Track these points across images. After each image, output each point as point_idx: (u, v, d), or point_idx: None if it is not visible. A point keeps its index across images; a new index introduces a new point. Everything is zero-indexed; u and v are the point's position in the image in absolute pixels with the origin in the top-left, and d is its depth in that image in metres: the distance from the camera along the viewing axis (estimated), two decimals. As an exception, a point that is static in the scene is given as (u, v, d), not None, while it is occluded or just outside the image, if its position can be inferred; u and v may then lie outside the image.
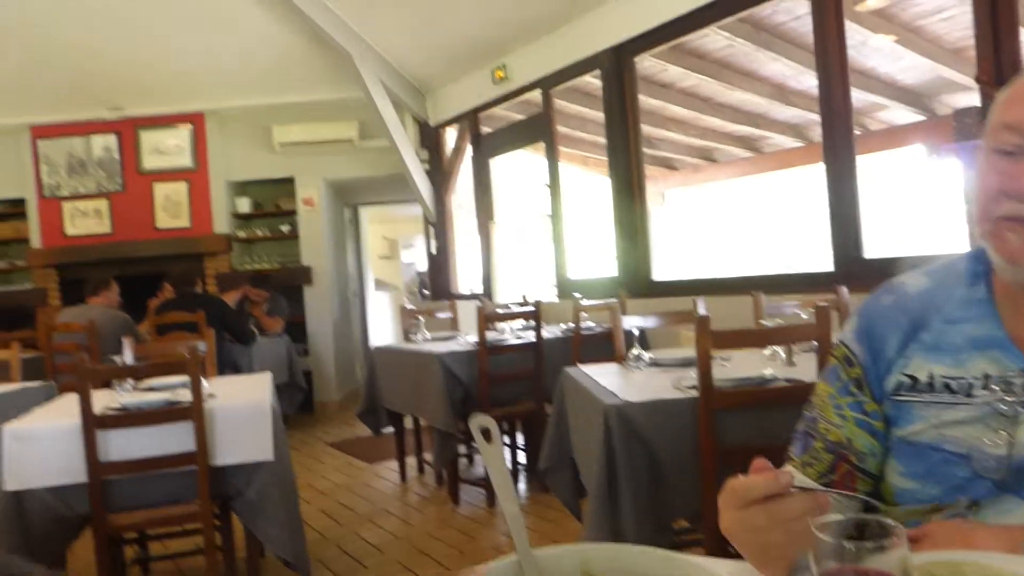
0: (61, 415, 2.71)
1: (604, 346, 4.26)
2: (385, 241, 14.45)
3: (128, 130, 7.55)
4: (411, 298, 14.41)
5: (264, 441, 2.68)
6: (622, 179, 5.23)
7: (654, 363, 2.83)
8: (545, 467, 2.87)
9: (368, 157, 7.68)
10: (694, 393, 2.21)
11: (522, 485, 4.44)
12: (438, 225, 7.59)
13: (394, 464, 4.77)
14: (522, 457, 4.66)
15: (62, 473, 2.57)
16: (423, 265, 15.58)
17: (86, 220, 7.55)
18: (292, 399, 6.04)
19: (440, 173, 7.52)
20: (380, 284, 11.70)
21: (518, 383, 4.11)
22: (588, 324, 4.56)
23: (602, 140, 5.69)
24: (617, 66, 5.19)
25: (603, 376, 2.62)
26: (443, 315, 5.17)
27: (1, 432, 2.55)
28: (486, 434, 0.72)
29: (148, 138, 7.58)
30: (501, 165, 6.95)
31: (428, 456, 4.70)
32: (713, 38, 5.41)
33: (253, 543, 2.90)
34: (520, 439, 4.73)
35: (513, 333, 4.42)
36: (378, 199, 9.97)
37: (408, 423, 4.68)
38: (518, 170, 7.41)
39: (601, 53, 5.25)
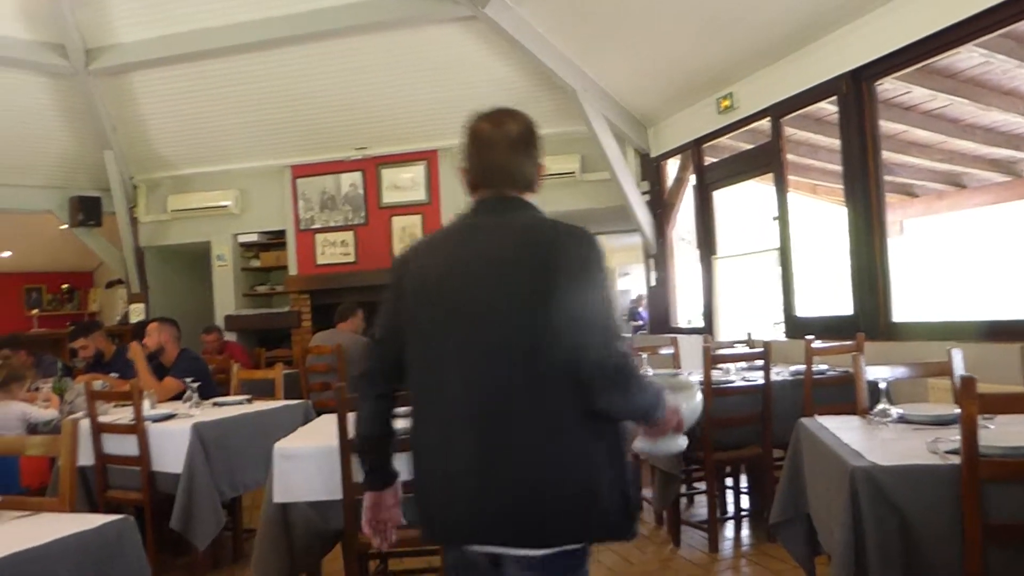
0: (321, 436, 2.99)
1: (838, 392, 4.04)
2: (601, 269, 14.54)
3: (371, 168, 8.25)
4: (627, 328, 14.38)
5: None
6: (859, 209, 4.92)
7: (902, 419, 2.62)
8: (777, 521, 2.75)
9: (589, 189, 7.81)
10: (954, 459, 2.02)
11: (746, 532, 4.27)
12: (658, 257, 7.55)
13: (613, 499, 4.77)
14: (746, 502, 4.48)
15: (321, 490, 2.83)
16: (635, 294, 15.56)
17: (334, 250, 8.33)
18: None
19: (661, 205, 7.48)
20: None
21: (744, 426, 3.97)
22: (819, 367, 4.32)
23: (833, 167, 5.41)
24: (856, 91, 4.91)
25: (845, 431, 2.47)
26: (665, 351, 5.12)
27: (273, 451, 2.87)
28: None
29: (388, 175, 8.22)
30: (725, 196, 6.79)
31: (646, 493, 4.66)
32: (966, 55, 4.97)
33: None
34: (744, 482, 4.56)
35: (739, 373, 4.28)
36: (597, 230, 10.02)
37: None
38: (743, 201, 7.20)
39: (838, 78, 5.00)
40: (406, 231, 8.15)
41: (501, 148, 1.87)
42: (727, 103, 6.19)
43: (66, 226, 8.76)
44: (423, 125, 7.89)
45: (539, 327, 1.62)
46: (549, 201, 7.26)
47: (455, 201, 8.11)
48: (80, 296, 12.03)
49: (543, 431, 1.61)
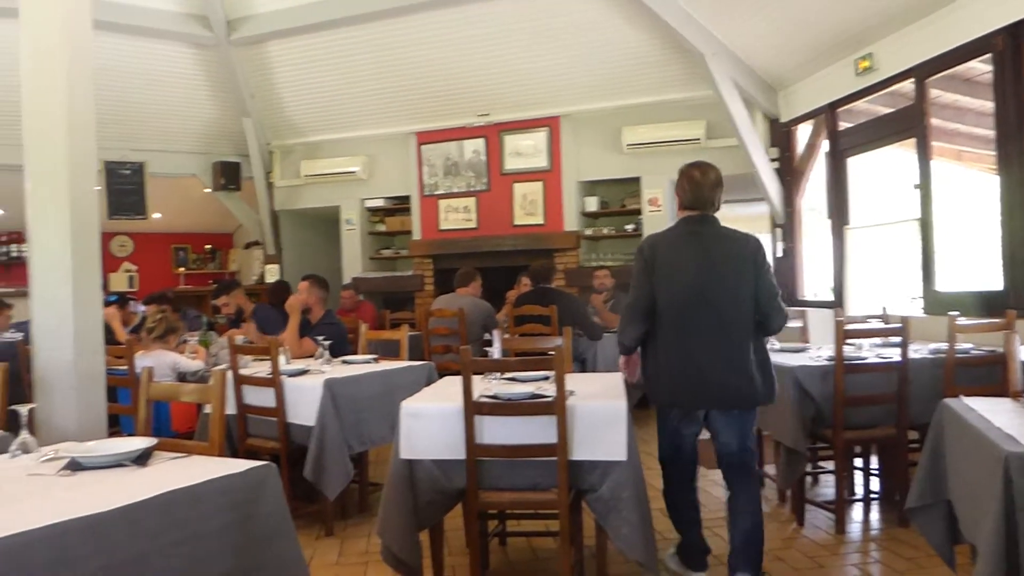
0: (445, 397, 3.07)
1: (983, 373, 3.79)
2: (723, 239, 14.15)
3: (493, 135, 8.30)
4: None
5: (619, 441, 2.80)
6: (1014, 177, 4.55)
7: (1060, 404, 2.43)
8: (914, 505, 2.62)
9: (714, 156, 7.48)
10: (1123, 450, 1.86)
11: (875, 515, 4.10)
12: (786, 227, 7.27)
13: (733, 473, 4.68)
14: (876, 484, 4.30)
15: (445, 449, 2.91)
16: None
17: (457, 216, 8.47)
18: (631, 396, 6.19)
19: (790, 172, 7.18)
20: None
21: (877, 405, 3.79)
22: (963, 346, 4.06)
23: (983, 132, 5.02)
24: (1013, 48, 4.52)
25: (996, 414, 2.31)
26: (792, 324, 4.93)
27: (400, 409, 2.97)
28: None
29: (510, 141, 8.26)
30: (859, 163, 6.44)
31: (768, 469, 4.54)
32: None
33: (601, 535, 3.04)
34: (874, 463, 4.37)
35: (872, 350, 4.08)
36: (722, 198, 9.80)
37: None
38: (879, 168, 6.80)
39: (993, 34, 4.62)
40: (527, 198, 8.18)
41: (707, 187, 3.20)
42: (866, 64, 5.84)
43: (209, 190, 9.30)
44: (546, 91, 7.86)
45: (747, 292, 3.07)
46: (673, 168, 7.06)
47: (576, 168, 8.06)
48: (221, 256, 12.78)
49: (743, 343, 3.06)
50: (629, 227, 8.00)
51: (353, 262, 9.12)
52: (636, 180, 7.88)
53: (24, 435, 2.22)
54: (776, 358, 3.99)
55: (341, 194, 9.09)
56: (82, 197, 3.66)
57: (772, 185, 7.15)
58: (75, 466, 2.10)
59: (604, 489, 2.82)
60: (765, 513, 4.01)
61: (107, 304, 6.53)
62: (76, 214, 3.62)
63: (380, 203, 9.15)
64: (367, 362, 4.48)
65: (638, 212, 7.89)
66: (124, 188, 8.40)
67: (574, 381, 3.28)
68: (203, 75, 8.19)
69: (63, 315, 3.57)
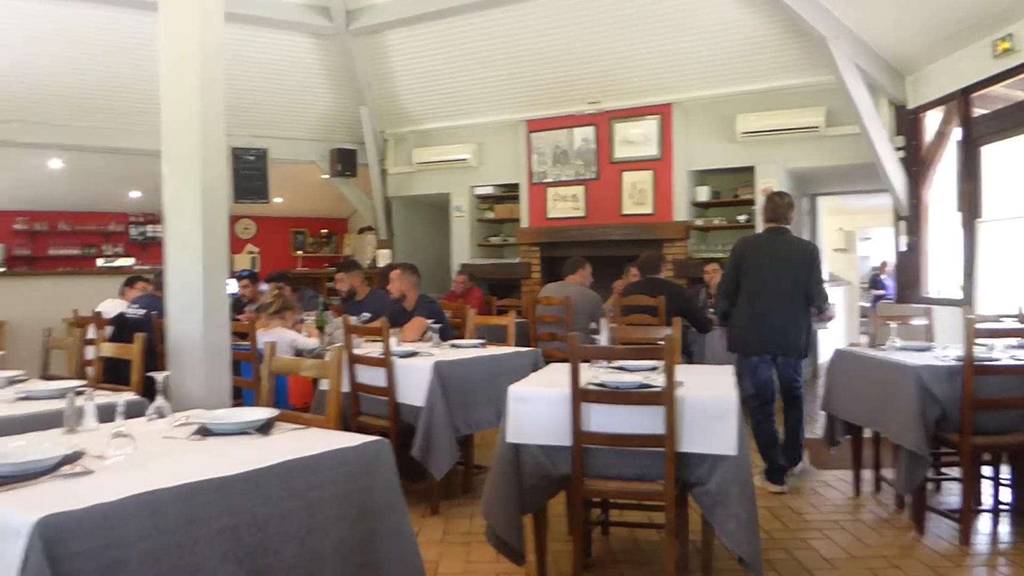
0: (552, 383, 3.08)
1: None
2: (841, 233, 13.60)
3: (603, 123, 8.23)
4: (865, 297, 13.38)
5: (729, 435, 2.74)
6: None
7: None
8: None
9: (834, 145, 7.27)
10: None
11: (1005, 527, 3.85)
12: (910, 219, 6.90)
13: (847, 475, 4.50)
14: (1005, 494, 4.04)
15: (551, 435, 2.92)
16: (879, 260, 14.36)
17: (565, 204, 8.46)
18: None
19: (916, 162, 6.81)
20: (833, 279, 11.07)
21: (1010, 410, 3.55)
22: (1112, 351, 3.75)
23: None
24: None
25: None
26: (917, 322, 4.69)
27: (508, 392, 3.00)
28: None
29: (620, 129, 8.17)
30: (995, 152, 6.02)
31: (886, 473, 4.34)
32: None
33: (707, 530, 2.99)
34: (1006, 472, 4.11)
35: (1006, 351, 3.83)
36: (839, 189, 9.43)
37: (866, 432, 4.37)
38: (1016, 157, 6.35)
39: None
40: (636, 187, 8.09)
41: (783, 208, 4.58)
42: (1005, 45, 5.44)
43: (326, 176, 9.65)
44: (657, 78, 7.73)
45: (803, 280, 4.42)
46: (789, 158, 6.97)
47: (688, 156, 7.90)
48: (336, 240, 13.26)
49: (796, 314, 4.43)
50: (741, 218, 7.78)
51: (462, 249, 9.27)
52: (750, 169, 7.65)
53: (160, 401, 2.37)
54: (898, 356, 3.82)
55: (451, 181, 9.24)
56: (213, 181, 3.87)
57: (896, 176, 6.80)
58: (204, 432, 2.23)
59: (712, 483, 2.77)
60: (882, 518, 3.85)
61: (240, 279, 6.91)
62: (207, 197, 3.82)
63: (489, 190, 9.25)
64: (475, 346, 4.55)
65: (751, 202, 7.66)
66: (249, 173, 8.82)
67: (683, 372, 3.22)
68: (322, 64, 8.48)
69: (194, 291, 3.79)
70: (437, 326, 4.59)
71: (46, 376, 5.02)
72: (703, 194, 7.99)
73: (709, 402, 2.80)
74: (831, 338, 8.97)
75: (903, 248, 6.99)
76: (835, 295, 10.58)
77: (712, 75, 7.52)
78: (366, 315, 5.26)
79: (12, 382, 3.17)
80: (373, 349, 4.30)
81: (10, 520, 1.56)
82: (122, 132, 8.08)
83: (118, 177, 10.50)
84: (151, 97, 4.10)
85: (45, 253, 11.38)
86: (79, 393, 2.38)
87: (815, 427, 4.98)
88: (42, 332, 5.12)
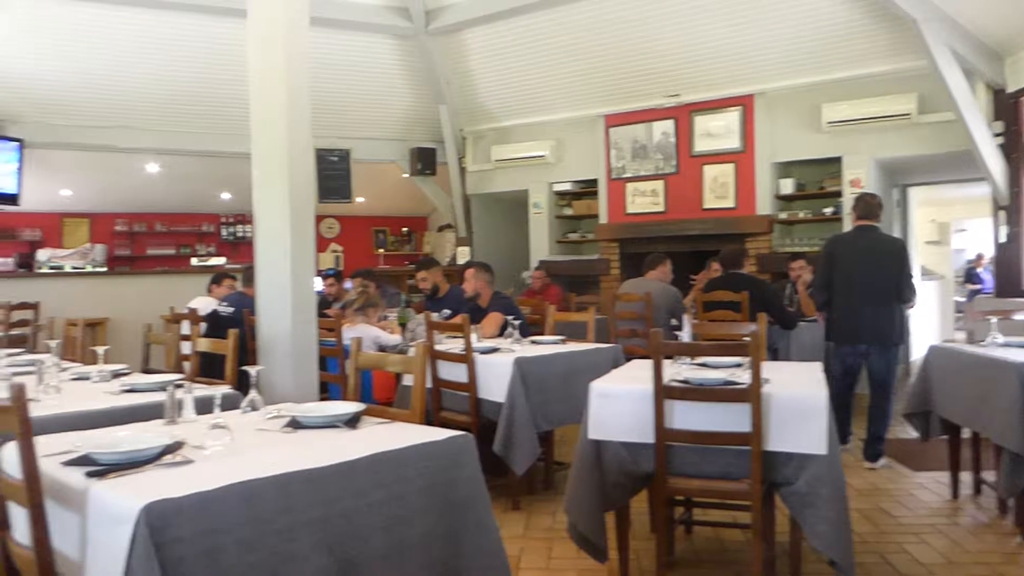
0: (634, 380, 3.05)
1: None
2: (934, 224, 13.04)
3: (683, 116, 8.11)
4: (960, 291, 12.80)
5: (818, 434, 2.66)
6: None
7: None
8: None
9: (927, 132, 6.96)
10: None
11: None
12: (1010, 209, 6.56)
13: (943, 477, 4.31)
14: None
15: (634, 431, 2.90)
16: (974, 253, 13.70)
17: (644, 199, 8.37)
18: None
19: (1017, 148, 6.46)
20: (926, 273, 10.63)
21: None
22: None
23: None
24: None
25: None
26: (1020, 317, 4.46)
27: (590, 388, 2.99)
28: None
29: (701, 122, 8.03)
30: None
31: (987, 476, 4.14)
32: None
33: (795, 531, 2.92)
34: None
35: (1121, 349, 3.60)
36: (932, 179, 9.02)
37: (964, 432, 4.18)
38: None
39: None
40: (717, 180, 7.93)
41: (874, 207, 4.92)
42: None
43: (406, 175, 9.80)
44: (739, 68, 7.56)
45: (894, 274, 4.78)
46: (879, 147, 6.79)
47: (771, 148, 7.70)
48: (416, 238, 13.46)
49: (888, 306, 4.76)
50: (828, 210, 7.54)
51: (540, 246, 9.28)
52: (837, 160, 7.41)
53: (253, 394, 2.46)
54: (999, 353, 3.64)
55: (530, 178, 9.26)
56: (300, 182, 3.99)
57: (995, 163, 6.47)
58: (295, 424, 2.30)
59: (801, 483, 2.69)
60: (982, 523, 3.69)
61: (325, 277, 7.11)
62: (294, 198, 3.94)
63: (567, 187, 9.22)
64: (555, 342, 4.56)
65: (838, 194, 7.41)
66: (332, 174, 9.04)
67: (769, 369, 3.14)
68: (402, 65, 8.62)
69: (283, 289, 3.91)
70: (517, 322, 4.61)
71: (147, 370, 5.27)
72: (787, 187, 7.77)
73: (797, 400, 2.73)
74: (924, 334, 8.63)
75: (1003, 239, 6.65)
76: (927, 290, 10.23)
77: (796, 63, 7.31)
78: (447, 312, 5.32)
79: (116, 375, 3.34)
80: (454, 345, 4.35)
81: (118, 506, 1.65)
82: (214, 136, 8.41)
83: (210, 180, 10.93)
84: (241, 102, 4.25)
85: (144, 253, 11.95)
86: (178, 386, 2.48)
87: (905, 429, 4.81)
88: (142, 328, 5.37)
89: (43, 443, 1.95)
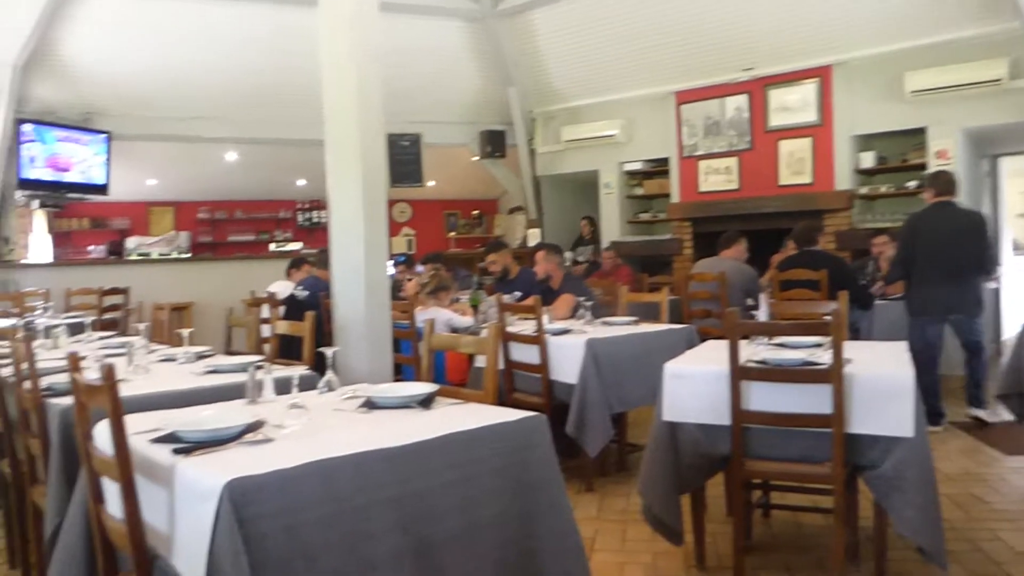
0: (710, 361, 2.99)
1: None
2: (1026, 197, 12.36)
3: (758, 90, 7.88)
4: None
5: (905, 416, 2.56)
6: None
7: None
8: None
9: (1018, 100, 6.60)
10: None
11: None
12: (1116, 180, 6.17)
13: (1039, 462, 4.12)
14: None
15: (709, 413, 2.85)
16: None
17: (717, 177, 8.19)
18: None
19: (1125, 115, 6.06)
20: (1018, 247, 10.10)
21: None
22: None
23: None
24: None
25: None
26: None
27: (664, 370, 2.95)
28: None
29: (775, 96, 7.79)
30: None
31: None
32: None
33: (881, 516, 2.82)
34: None
35: None
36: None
37: (1063, 417, 3.97)
38: None
39: None
40: (793, 156, 7.70)
41: (951, 184, 5.06)
42: None
43: (476, 158, 9.83)
44: (816, 38, 7.29)
45: (975, 247, 4.95)
46: (967, 116, 6.52)
47: (851, 121, 7.42)
48: (487, 221, 13.51)
49: (969, 278, 4.97)
50: (911, 184, 7.23)
51: (611, 226, 9.19)
52: (921, 131, 7.09)
53: (330, 375, 2.51)
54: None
55: (599, 158, 9.16)
56: (372, 168, 4.02)
57: (1100, 130, 6.09)
58: (371, 405, 2.34)
59: (887, 466, 2.60)
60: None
61: (397, 264, 7.21)
62: (367, 183, 3.98)
63: (638, 166, 9.09)
64: (627, 323, 4.51)
65: (923, 167, 7.09)
66: (404, 158, 9.13)
67: (852, 349, 3.04)
68: (470, 47, 8.62)
69: (356, 272, 3.97)
70: (589, 303, 4.58)
71: (229, 351, 5.44)
72: (868, 160, 7.48)
73: (882, 380, 2.63)
74: (1017, 311, 8.21)
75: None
76: (1018, 265, 9.71)
77: (876, 31, 7.01)
78: (517, 293, 5.32)
79: (200, 357, 3.45)
80: (525, 327, 4.35)
81: (203, 482, 1.70)
82: (289, 124, 8.58)
83: (286, 167, 11.20)
84: (314, 90, 4.31)
85: (225, 239, 12.36)
86: (259, 367, 2.55)
87: (997, 411, 4.61)
88: (224, 311, 5.54)
89: (133, 421, 2.03)
